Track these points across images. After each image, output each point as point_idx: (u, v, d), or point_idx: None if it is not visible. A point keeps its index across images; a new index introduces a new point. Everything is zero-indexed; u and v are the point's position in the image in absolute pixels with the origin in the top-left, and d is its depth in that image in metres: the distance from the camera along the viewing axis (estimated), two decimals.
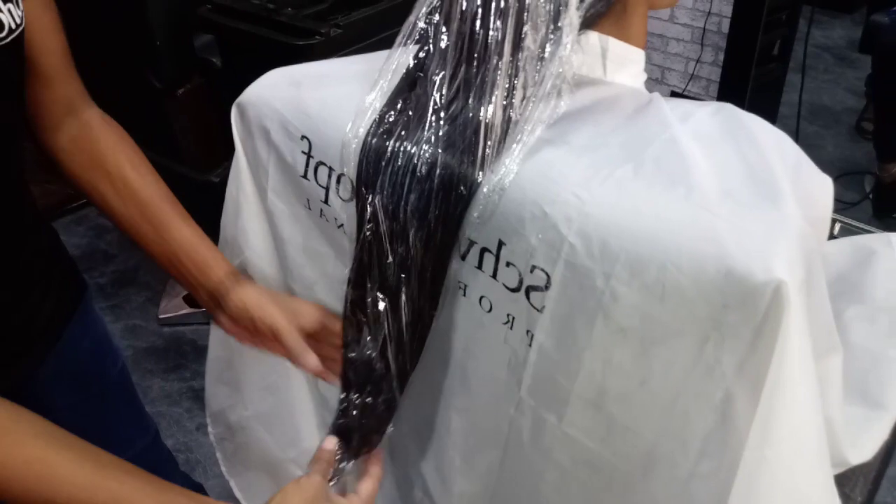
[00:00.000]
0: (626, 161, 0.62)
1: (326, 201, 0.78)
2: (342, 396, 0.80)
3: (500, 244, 0.66)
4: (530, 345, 0.67)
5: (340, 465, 0.79)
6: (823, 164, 0.63)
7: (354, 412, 0.79)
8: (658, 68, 3.25)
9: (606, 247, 0.59)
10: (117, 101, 0.93)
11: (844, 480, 0.85)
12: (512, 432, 0.73)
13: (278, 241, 0.89)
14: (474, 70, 0.66)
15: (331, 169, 0.76)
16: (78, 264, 1.00)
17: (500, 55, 0.64)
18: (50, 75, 0.83)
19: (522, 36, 0.63)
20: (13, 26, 0.73)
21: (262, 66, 0.86)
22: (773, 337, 0.54)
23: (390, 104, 0.71)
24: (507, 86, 0.64)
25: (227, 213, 0.93)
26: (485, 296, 0.70)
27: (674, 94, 3.18)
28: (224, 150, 0.93)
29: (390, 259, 0.71)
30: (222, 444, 1.11)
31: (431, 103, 0.68)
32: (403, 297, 0.72)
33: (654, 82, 3.24)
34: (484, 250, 0.67)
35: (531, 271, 0.65)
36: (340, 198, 0.76)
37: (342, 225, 0.78)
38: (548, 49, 0.64)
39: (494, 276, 0.68)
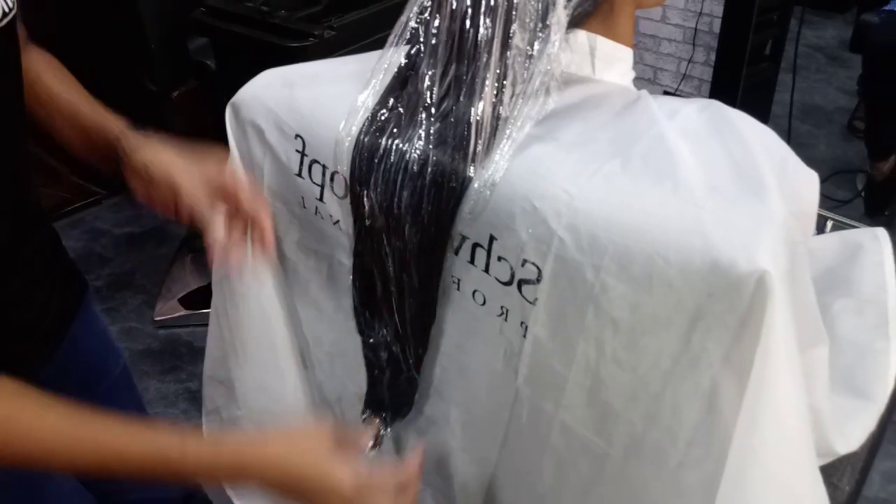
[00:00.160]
0: (614, 156, 0.63)
1: (321, 199, 0.79)
2: (367, 374, 0.84)
3: (492, 239, 0.67)
4: (525, 336, 0.69)
5: (381, 433, 0.84)
6: (816, 163, 0.65)
7: (380, 388, 0.83)
8: (650, 68, 3.27)
9: (595, 240, 0.61)
10: (112, 104, 0.94)
11: (832, 470, 0.86)
12: (512, 420, 0.74)
13: (274, 239, 0.89)
14: (464, 68, 0.67)
15: (324, 167, 0.77)
16: None
17: (490, 53, 0.65)
18: None
19: (511, 34, 0.65)
20: (6, 10, 0.74)
21: (256, 68, 0.87)
22: (757, 326, 0.55)
23: (382, 102, 0.72)
24: (496, 83, 0.66)
25: None
26: (478, 290, 0.71)
27: (666, 94, 3.19)
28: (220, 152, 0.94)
29: (388, 252, 0.73)
30: None
31: (423, 101, 0.69)
32: (405, 288, 0.74)
33: (646, 82, 3.26)
34: (476, 245, 0.69)
35: (522, 265, 0.66)
36: (335, 195, 0.77)
37: (338, 221, 0.79)
38: (536, 47, 0.65)
39: (487, 270, 0.69)
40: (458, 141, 0.67)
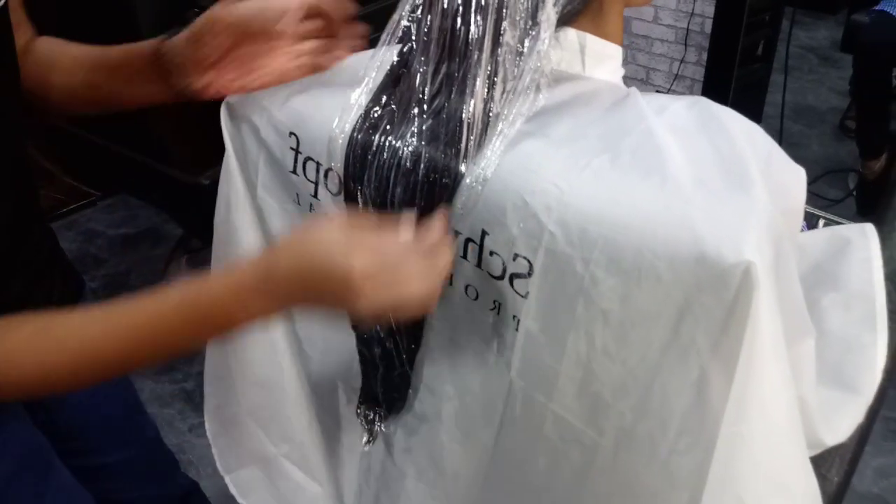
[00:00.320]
0: (603, 152, 0.64)
1: (316, 195, 0.80)
2: (362, 368, 0.85)
3: (484, 234, 0.68)
4: (517, 329, 0.70)
5: (375, 427, 0.85)
6: (808, 163, 0.65)
7: (374, 383, 0.84)
8: (643, 69, 3.28)
9: (585, 234, 0.62)
10: None
11: (821, 462, 0.87)
12: (506, 412, 0.75)
13: (268, 236, 0.90)
14: (456, 65, 0.68)
15: (318, 164, 0.78)
16: None
17: (481, 51, 0.66)
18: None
19: (502, 32, 0.66)
20: None
21: None
22: (744, 316, 0.56)
23: (375, 100, 0.73)
24: (487, 80, 0.67)
25: (219, 212, 0.94)
26: (470, 284, 0.72)
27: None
28: (213, 154, 0.94)
29: None
30: (217, 440, 1.12)
31: (415, 98, 0.70)
32: None
33: (638, 82, 3.27)
34: (468, 240, 0.70)
35: (514, 259, 0.67)
36: (329, 191, 0.78)
37: None
38: (526, 44, 0.66)
39: (479, 265, 0.70)
40: (450, 137, 0.68)
